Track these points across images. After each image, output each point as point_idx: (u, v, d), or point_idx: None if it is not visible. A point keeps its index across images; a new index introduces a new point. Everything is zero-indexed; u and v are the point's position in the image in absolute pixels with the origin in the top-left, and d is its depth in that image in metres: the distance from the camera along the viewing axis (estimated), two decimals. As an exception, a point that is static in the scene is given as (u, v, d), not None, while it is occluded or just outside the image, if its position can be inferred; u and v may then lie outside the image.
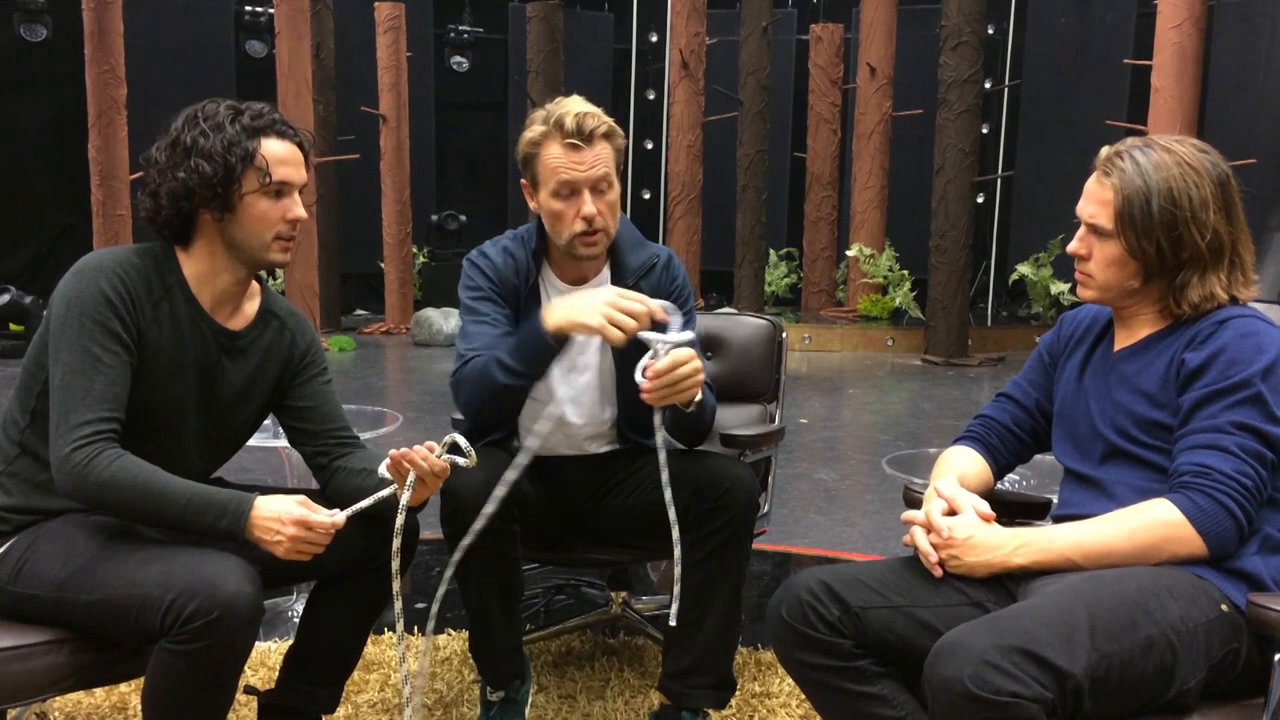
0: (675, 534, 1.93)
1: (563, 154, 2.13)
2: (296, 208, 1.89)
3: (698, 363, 1.95)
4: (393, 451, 1.81)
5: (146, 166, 1.87)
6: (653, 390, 1.91)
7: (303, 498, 1.80)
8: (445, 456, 1.83)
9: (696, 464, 2.18)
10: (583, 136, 2.13)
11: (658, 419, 1.91)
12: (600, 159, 2.15)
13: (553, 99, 2.24)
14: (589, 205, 2.15)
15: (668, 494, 1.90)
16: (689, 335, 1.93)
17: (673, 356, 1.90)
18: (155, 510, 1.74)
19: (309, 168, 1.95)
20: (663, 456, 1.89)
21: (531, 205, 2.24)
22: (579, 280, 2.31)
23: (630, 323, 1.93)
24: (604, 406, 2.35)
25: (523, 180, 2.25)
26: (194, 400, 1.92)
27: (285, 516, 1.74)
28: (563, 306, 2.04)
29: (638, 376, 1.91)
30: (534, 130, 2.18)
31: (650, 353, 1.91)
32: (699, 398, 2.06)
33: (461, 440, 1.83)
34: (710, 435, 2.28)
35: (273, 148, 1.86)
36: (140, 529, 1.84)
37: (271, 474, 2.89)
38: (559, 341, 2.04)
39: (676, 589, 1.99)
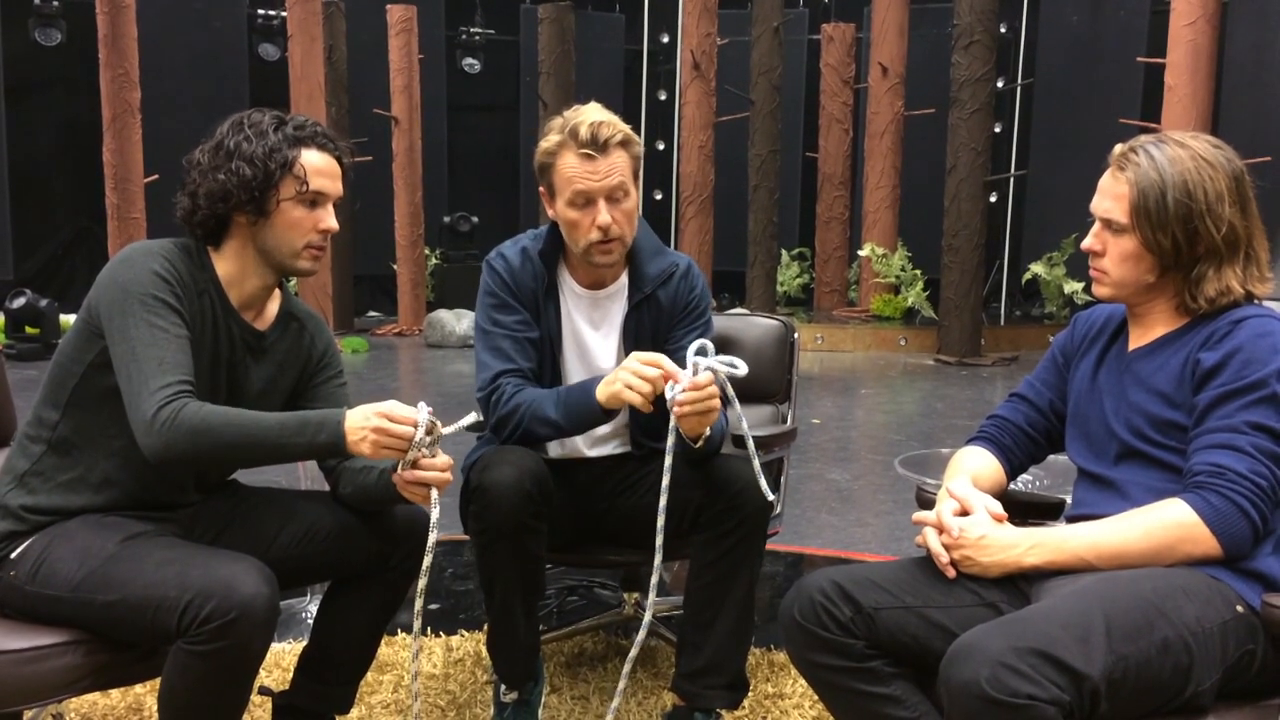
0: (659, 540, 1.94)
1: (578, 164, 2.14)
2: (329, 218, 1.93)
3: (716, 404, 1.95)
4: (403, 487, 1.80)
5: (188, 168, 1.91)
6: (681, 404, 1.91)
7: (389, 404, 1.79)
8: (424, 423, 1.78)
9: (709, 465, 2.19)
10: (597, 146, 2.13)
11: (673, 421, 1.92)
12: (615, 168, 2.15)
13: (566, 102, 2.26)
14: (604, 214, 2.16)
15: (663, 500, 1.92)
16: (737, 368, 1.92)
17: (704, 378, 1.90)
18: (255, 442, 1.75)
19: (347, 182, 1.99)
20: (669, 460, 1.91)
21: (549, 212, 2.25)
22: (597, 285, 2.32)
23: (645, 386, 1.97)
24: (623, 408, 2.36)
25: (540, 188, 2.26)
26: (220, 399, 1.93)
27: (370, 411, 1.76)
28: (606, 382, 2.07)
29: (670, 391, 1.92)
30: (550, 139, 2.18)
31: (690, 369, 1.92)
32: (707, 433, 2.06)
33: (424, 413, 1.78)
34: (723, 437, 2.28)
35: (312, 158, 1.89)
36: (157, 531, 1.85)
37: (285, 475, 2.89)
38: (609, 413, 2.11)
39: (652, 597, 2.00)
